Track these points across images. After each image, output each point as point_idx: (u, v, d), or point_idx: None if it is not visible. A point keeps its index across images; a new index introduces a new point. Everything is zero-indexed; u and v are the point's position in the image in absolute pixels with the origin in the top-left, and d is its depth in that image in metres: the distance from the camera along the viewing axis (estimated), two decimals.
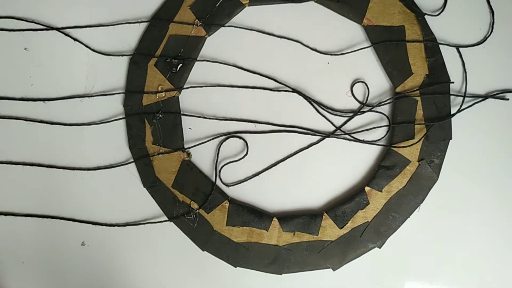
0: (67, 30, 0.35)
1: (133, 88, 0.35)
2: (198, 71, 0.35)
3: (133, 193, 0.36)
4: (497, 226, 0.36)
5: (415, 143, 0.34)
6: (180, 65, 0.34)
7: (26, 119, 0.35)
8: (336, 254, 0.35)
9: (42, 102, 0.35)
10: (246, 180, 0.35)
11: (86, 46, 0.35)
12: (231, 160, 0.35)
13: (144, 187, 0.35)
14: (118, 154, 0.36)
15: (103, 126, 0.35)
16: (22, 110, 0.35)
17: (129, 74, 0.35)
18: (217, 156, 0.35)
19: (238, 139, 0.35)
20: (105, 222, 0.36)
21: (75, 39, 0.35)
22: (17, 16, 0.35)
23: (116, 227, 0.36)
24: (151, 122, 0.35)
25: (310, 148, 0.35)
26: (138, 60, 0.35)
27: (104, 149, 0.35)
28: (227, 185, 0.35)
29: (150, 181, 0.35)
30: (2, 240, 0.36)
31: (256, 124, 0.35)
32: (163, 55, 0.34)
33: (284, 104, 0.35)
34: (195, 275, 0.36)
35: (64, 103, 0.35)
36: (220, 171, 0.35)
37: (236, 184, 0.35)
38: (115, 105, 0.35)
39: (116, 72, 0.35)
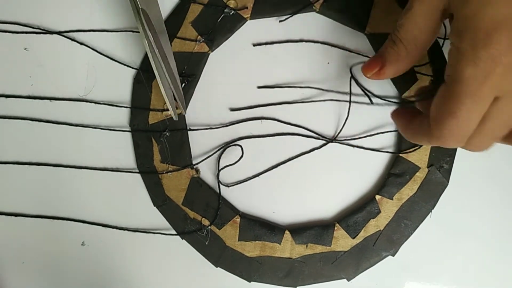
0: (70, 34, 0.35)
1: (138, 106, 0.35)
2: (203, 87, 0.35)
3: (141, 199, 0.36)
4: (498, 226, 0.36)
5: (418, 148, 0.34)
6: (185, 83, 0.34)
7: (31, 119, 0.35)
8: (350, 264, 0.35)
9: (47, 101, 0.35)
10: (246, 181, 0.35)
11: (93, 49, 0.35)
12: (231, 164, 0.35)
13: (154, 206, 0.35)
14: (125, 159, 0.36)
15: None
16: (25, 110, 0.35)
17: (134, 93, 0.35)
18: (218, 164, 0.35)
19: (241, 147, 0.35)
20: (115, 225, 0.36)
21: (81, 43, 0.35)
22: (21, 22, 0.35)
23: (122, 231, 0.36)
24: (159, 141, 0.35)
25: (318, 158, 0.35)
26: (142, 79, 0.35)
27: (111, 152, 0.36)
28: (227, 185, 0.35)
29: (161, 200, 0.35)
30: (2, 240, 0.36)
31: (262, 120, 0.35)
32: None
33: (290, 109, 0.35)
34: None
35: (68, 102, 0.35)
36: (219, 173, 0.35)
37: (236, 184, 0.35)
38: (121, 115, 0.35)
39: (119, 80, 0.35)
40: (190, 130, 0.35)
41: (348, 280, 0.35)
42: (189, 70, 0.34)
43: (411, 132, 0.27)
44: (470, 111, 0.22)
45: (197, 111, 0.35)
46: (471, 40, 0.21)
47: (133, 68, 0.35)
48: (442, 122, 0.23)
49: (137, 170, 0.35)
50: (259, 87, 0.35)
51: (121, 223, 0.36)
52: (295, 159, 0.35)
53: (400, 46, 0.26)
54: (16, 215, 0.36)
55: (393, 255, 0.35)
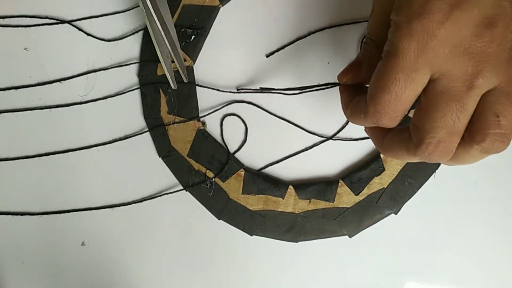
0: (78, 23, 0.35)
1: (147, 58, 0.35)
2: (212, 41, 0.35)
3: (145, 168, 0.36)
4: (499, 225, 0.36)
5: None
6: (194, 35, 0.35)
7: (41, 108, 0.35)
8: (352, 221, 0.35)
9: (50, 85, 0.35)
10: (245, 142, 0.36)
11: (99, 38, 0.35)
12: (243, 128, 0.35)
13: (159, 156, 0.35)
14: (132, 128, 0.36)
15: (117, 103, 0.35)
16: (33, 99, 0.35)
17: (143, 44, 0.35)
18: (221, 123, 0.35)
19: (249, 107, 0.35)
20: (121, 202, 0.36)
21: (88, 34, 0.35)
22: (29, 14, 0.35)
23: (117, 225, 0.36)
24: (166, 92, 0.35)
25: (325, 115, 0.35)
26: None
27: (119, 124, 0.36)
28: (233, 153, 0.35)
29: (166, 150, 0.35)
30: (2, 240, 0.36)
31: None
32: (177, 25, 0.35)
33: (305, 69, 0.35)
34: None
35: (80, 81, 0.35)
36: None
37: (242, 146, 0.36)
38: (129, 78, 0.35)
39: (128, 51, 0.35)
40: (198, 85, 0.35)
41: (350, 236, 0.35)
42: (199, 23, 0.35)
43: (350, 110, 0.26)
44: (404, 86, 0.22)
45: (206, 64, 0.35)
46: (406, 12, 0.21)
47: (142, 29, 0.35)
48: (376, 97, 0.23)
49: (145, 129, 0.35)
50: (267, 55, 0.35)
51: (128, 196, 0.36)
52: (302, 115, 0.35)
53: (371, 44, 0.26)
54: (17, 214, 0.36)
55: (396, 213, 0.35)
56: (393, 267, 0.36)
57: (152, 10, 0.31)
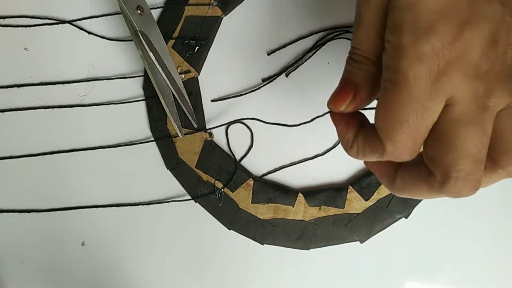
0: (79, 23, 0.35)
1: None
2: (216, 51, 0.35)
3: (153, 175, 0.36)
4: (499, 225, 0.36)
5: None
6: (198, 46, 0.35)
7: (44, 107, 0.35)
8: (363, 226, 0.35)
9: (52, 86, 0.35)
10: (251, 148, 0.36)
11: (101, 37, 0.35)
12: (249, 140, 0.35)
13: (167, 169, 0.35)
14: (138, 133, 0.36)
15: (123, 107, 0.35)
16: (33, 98, 0.35)
17: None
18: (226, 131, 0.35)
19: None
20: (129, 202, 0.36)
21: (90, 33, 0.35)
22: (29, 14, 0.35)
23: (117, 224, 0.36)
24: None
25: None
26: None
27: (125, 128, 0.36)
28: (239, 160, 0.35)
29: (174, 162, 0.35)
30: (2, 239, 0.36)
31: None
32: (180, 37, 0.35)
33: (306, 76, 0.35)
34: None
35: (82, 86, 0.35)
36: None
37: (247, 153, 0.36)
38: (136, 88, 0.35)
39: (128, 58, 0.35)
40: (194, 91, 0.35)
41: (361, 242, 0.35)
42: (202, 34, 0.35)
43: (356, 149, 0.22)
44: (422, 118, 0.19)
45: (210, 74, 0.35)
46: (411, 33, 0.18)
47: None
48: (393, 134, 0.20)
49: (152, 139, 0.35)
50: (268, 54, 0.35)
51: (134, 199, 0.36)
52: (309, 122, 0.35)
53: (366, 62, 0.22)
54: (23, 211, 0.36)
55: (406, 217, 0.35)
56: (394, 268, 0.36)
57: (155, 62, 0.31)
